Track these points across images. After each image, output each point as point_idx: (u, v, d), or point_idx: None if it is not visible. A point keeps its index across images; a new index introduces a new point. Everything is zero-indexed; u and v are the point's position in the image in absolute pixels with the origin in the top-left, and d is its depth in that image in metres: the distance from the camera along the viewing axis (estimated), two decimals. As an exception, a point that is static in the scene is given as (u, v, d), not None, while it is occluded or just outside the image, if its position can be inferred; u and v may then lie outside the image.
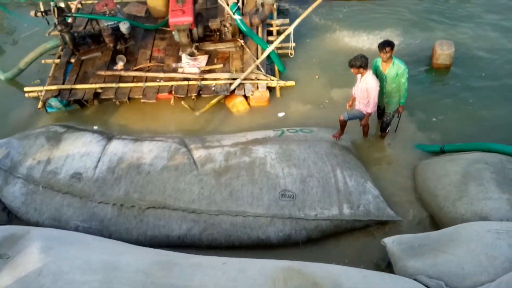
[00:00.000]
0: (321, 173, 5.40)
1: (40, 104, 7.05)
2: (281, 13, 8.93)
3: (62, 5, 7.12)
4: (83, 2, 8.77)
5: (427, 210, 5.48)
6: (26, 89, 7.27)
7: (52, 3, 6.94)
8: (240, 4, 7.40)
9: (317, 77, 7.50)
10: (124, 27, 7.35)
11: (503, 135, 6.16)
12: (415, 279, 3.94)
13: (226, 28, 7.58)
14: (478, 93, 7.01)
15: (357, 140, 6.42)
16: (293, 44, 7.64)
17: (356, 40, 8.21)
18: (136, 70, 7.40)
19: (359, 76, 5.54)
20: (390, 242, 4.67)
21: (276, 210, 5.13)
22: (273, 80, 7.23)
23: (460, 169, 5.39)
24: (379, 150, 6.35)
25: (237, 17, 7.10)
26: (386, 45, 5.29)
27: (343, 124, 5.84)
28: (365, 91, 5.51)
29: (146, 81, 7.20)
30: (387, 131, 6.26)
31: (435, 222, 5.30)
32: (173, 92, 7.06)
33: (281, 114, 6.92)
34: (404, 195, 5.71)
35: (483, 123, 6.49)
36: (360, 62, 5.31)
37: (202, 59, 7.49)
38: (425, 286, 3.86)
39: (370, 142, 6.42)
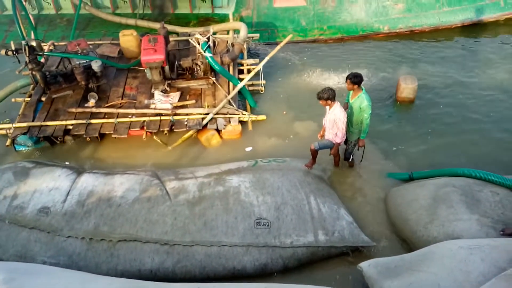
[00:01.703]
0: (295, 200, 5.41)
1: (8, 142, 6.92)
2: (253, 54, 9.28)
3: (34, 43, 7.15)
4: (55, 43, 8.85)
5: (400, 235, 5.53)
6: (-6, 126, 7.13)
7: (23, 42, 6.98)
8: (211, 44, 7.67)
9: (284, 112, 7.72)
10: (96, 65, 7.43)
11: (462, 160, 6.49)
12: (392, 298, 3.91)
13: (197, 66, 7.78)
14: (437, 123, 7.38)
15: (329, 169, 6.53)
16: (263, 82, 7.94)
17: (322, 78, 8.59)
18: (107, 107, 7.40)
19: (327, 107, 5.73)
20: (366, 266, 4.66)
21: (252, 239, 5.06)
22: (244, 114, 7.38)
23: (429, 193, 5.52)
24: (349, 178, 6.46)
25: (207, 54, 7.33)
26: (349, 76, 5.56)
27: (314, 154, 5.96)
28: (333, 121, 5.68)
29: (117, 117, 7.20)
30: (350, 159, 6.39)
31: (409, 246, 5.34)
32: (145, 127, 7.07)
33: (248, 149, 7.02)
34: (377, 221, 5.78)
35: (446, 151, 6.78)
36: (328, 95, 5.51)
37: (175, 96, 7.60)
38: (403, 304, 3.83)
39: (341, 171, 6.55)
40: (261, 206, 5.31)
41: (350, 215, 5.59)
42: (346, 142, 6.13)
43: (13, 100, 7.77)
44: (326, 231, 5.24)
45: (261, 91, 7.87)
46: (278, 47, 7.41)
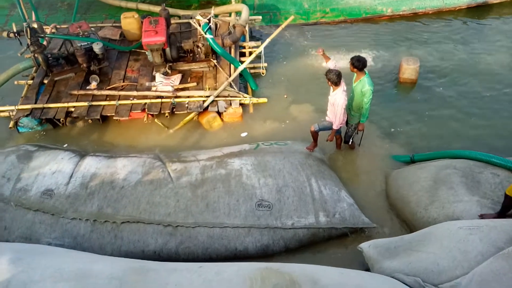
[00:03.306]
0: (296, 182, 5.45)
1: (11, 124, 6.95)
2: (254, 37, 9.21)
3: (35, 25, 7.11)
4: (57, 26, 8.80)
5: (400, 216, 5.59)
6: (-4, 109, 7.16)
7: (25, 24, 6.94)
8: (212, 25, 7.61)
9: (285, 96, 7.71)
10: (97, 47, 7.39)
11: (463, 143, 6.50)
12: (392, 277, 3.98)
13: (199, 49, 7.73)
14: (438, 105, 7.36)
15: (330, 152, 6.56)
16: (265, 64, 7.89)
17: (324, 60, 8.50)
18: (109, 89, 7.40)
19: (331, 89, 5.71)
20: (367, 246, 4.72)
21: (253, 221, 5.12)
22: (246, 97, 7.37)
23: (430, 175, 5.55)
24: (351, 161, 6.50)
25: (208, 36, 7.28)
26: (352, 60, 5.52)
27: (314, 136, 5.97)
28: (332, 105, 5.68)
29: (119, 99, 7.20)
30: (350, 142, 6.39)
31: (409, 228, 5.40)
32: (146, 109, 7.08)
33: (243, 134, 7.02)
34: (378, 203, 5.83)
35: (447, 133, 6.80)
36: (332, 76, 5.47)
37: (176, 78, 7.58)
38: (402, 283, 3.89)
39: (342, 153, 6.57)
40: (262, 188, 5.35)
41: (351, 197, 5.63)
42: (346, 124, 6.13)
43: (15, 82, 7.78)
44: (327, 213, 5.29)
45: (263, 73, 7.84)
46: (279, 29, 7.35)
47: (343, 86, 5.57)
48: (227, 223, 5.08)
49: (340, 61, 8.19)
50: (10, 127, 7.00)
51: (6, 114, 7.16)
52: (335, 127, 5.78)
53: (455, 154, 5.80)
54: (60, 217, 5.13)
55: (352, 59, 5.54)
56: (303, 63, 8.56)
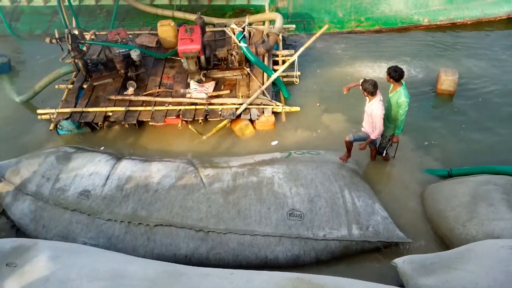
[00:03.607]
0: (328, 193, 5.39)
1: (52, 126, 7.20)
2: (288, 45, 9.23)
3: (76, 32, 7.37)
4: (96, 33, 9.10)
5: (437, 232, 5.42)
6: (39, 111, 7.45)
7: (66, 30, 7.21)
8: (246, 34, 7.67)
9: (318, 104, 7.66)
10: (134, 54, 7.58)
11: (501, 158, 6.21)
12: (428, 295, 3.85)
13: (233, 57, 7.81)
14: (476, 118, 7.14)
15: (364, 163, 6.45)
16: (299, 73, 7.88)
17: (358, 70, 8.45)
18: (145, 95, 7.57)
19: (367, 99, 5.64)
20: (401, 262, 4.60)
21: (284, 230, 5.09)
22: (278, 105, 7.38)
23: (469, 191, 5.38)
24: (385, 173, 6.38)
25: (242, 44, 7.34)
26: (388, 70, 5.45)
27: (349, 146, 5.89)
28: (369, 116, 5.60)
29: (154, 105, 7.35)
30: (384, 154, 6.27)
31: (446, 244, 5.22)
32: (180, 116, 7.19)
33: (274, 143, 7.00)
34: (413, 218, 5.67)
35: (484, 147, 6.56)
36: (365, 87, 5.42)
37: (210, 86, 7.68)
38: (439, 301, 3.76)
39: (376, 165, 6.45)
40: (294, 197, 5.32)
41: (385, 210, 5.51)
42: (381, 135, 6.03)
43: (56, 86, 8.07)
44: (360, 225, 5.20)
45: (296, 82, 7.85)
46: (313, 38, 7.34)
47: (379, 96, 5.49)
48: (258, 231, 5.07)
49: (377, 70, 8.09)
50: (50, 129, 7.26)
51: (47, 116, 7.43)
52: (373, 137, 5.69)
53: (495, 169, 5.61)
54: (96, 217, 5.26)
55: (389, 69, 5.46)
56: (336, 72, 8.50)
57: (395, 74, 5.40)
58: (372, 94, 5.43)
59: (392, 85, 5.60)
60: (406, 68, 8.23)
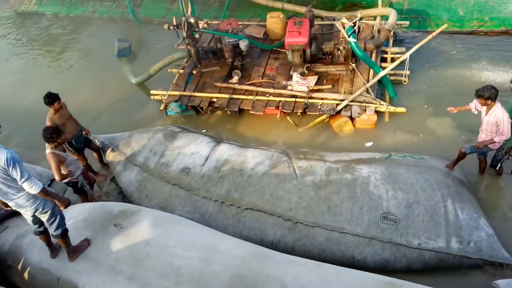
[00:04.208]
0: (429, 201, 5.03)
1: (162, 106, 7.80)
2: (398, 42, 8.78)
3: (192, 20, 7.83)
4: (209, 22, 9.57)
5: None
6: (152, 92, 8.12)
7: (183, 18, 7.70)
8: (356, 29, 7.45)
9: (425, 106, 7.17)
10: (243, 44, 7.84)
11: None
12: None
13: (339, 51, 7.65)
14: None
15: (472, 174, 5.90)
16: (408, 72, 7.44)
17: (475, 74, 7.72)
18: (248, 84, 7.78)
19: (485, 108, 5.14)
20: (505, 284, 4.14)
21: (376, 232, 4.88)
22: (382, 104, 7.06)
23: None
24: (495, 188, 5.77)
25: (352, 39, 7.14)
26: None
27: (461, 156, 5.44)
28: (494, 124, 5.07)
29: (256, 95, 7.53)
30: (498, 167, 5.64)
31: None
32: (280, 107, 7.27)
33: (368, 144, 6.72)
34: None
35: None
36: (489, 94, 4.94)
37: (312, 79, 7.62)
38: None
39: (486, 178, 5.86)
40: (390, 200, 5.06)
41: (491, 227, 4.98)
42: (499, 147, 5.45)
43: (169, 70, 8.70)
44: (460, 239, 4.78)
45: (404, 81, 7.42)
46: (430, 36, 6.84)
47: (498, 102, 4.99)
48: (348, 230, 4.93)
49: (500, 75, 7.34)
50: (161, 110, 7.86)
51: (159, 97, 8.05)
52: (497, 140, 5.13)
53: None
54: (193, 194, 5.58)
55: None
56: (450, 74, 7.87)
57: None
58: (494, 99, 4.94)
59: None
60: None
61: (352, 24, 7.21)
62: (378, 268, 4.78)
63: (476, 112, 5.42)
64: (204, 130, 7.21)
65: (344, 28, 7.25)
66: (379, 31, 7.76)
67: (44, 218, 4.12)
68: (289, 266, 3.63)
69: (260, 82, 7.84)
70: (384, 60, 8.08)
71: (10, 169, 3.61)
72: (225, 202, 5.38)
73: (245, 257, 3.68)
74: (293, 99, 7.33)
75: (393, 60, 7.80)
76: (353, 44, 7.17)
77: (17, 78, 10.00)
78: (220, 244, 3.88)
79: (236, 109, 7.40)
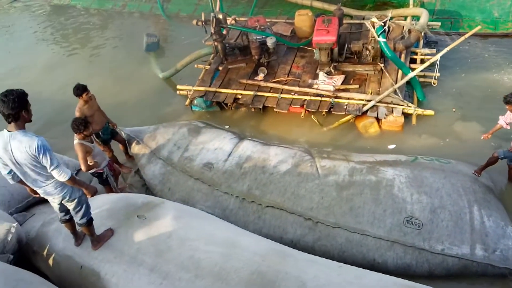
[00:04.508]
0: (455, 206, 4.91)
1: (187, 102, 7.89)
2: (428, 43, 8.59)
3: (220, 16, 7.87)
4: (236, 18, 9.60)
5: None
6: (178, 87, 8.21)
7: (212, 14, 7.74)
8: (386, 28, 7.33)
9: (454, 110, 7.00)
10: (270, 41, 7.83)
11: None
12: None
13: (367, 51, 7.54)
14: None
15: (500, 181, 5.72)
16: (438, 74, 7.27)
17: (508, 79, 7.46)
18: (274, 82, 7.77)
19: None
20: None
21: (398, 236, 4.80)
22: (410, 106, 6.92)
23: None
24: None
25: (381, 39, 7.02)
26: None
27: (492, 161, 5.30)
28: None
29: (281, 93, 7.51)
30: None
31: None
32: (305, 106, 7.23)
33: (391, 147, 6.61)
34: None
35: None
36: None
37: (338, 79, 7.54)
38: None
39: (515, 187, 5.68)
40: (414, 204, 4.97)
41: (519, 237, 4.83)
42: None
43: (195, 66, 8.77)
44: (486, 247, 4.65)
45: (434, 84, 7.26)
46: (462, 38, 6.66)
47: None
48: (369, 232, 4.87)
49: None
50: (186, 105, 7.94)
51: (184, 93, 8.14)
52: None
53: None
54: (215, 189, 5.61)
55: None
56: (480, 78, 7.65)
57: None
58: None
59: None
60: None
61: (383, 24, 7.09)
62: (399, 272, 4.70)
63: (508, 127, 5.29)
64: (227, 126, 7.24)
65: (374, 28, 7.14)
66: (409, 31, 7.61)
67: (70, 206, 4.22)
68: (309, 265, 3.62)
69: (286, 80, 7.81)
70: (413, 61, 7.92)
71: (41, 156, 3.67)
72: (246, 199, 5.39)
73: (265, 254, 3.69)
74: (319, 98, 7.27)
75: (422, 61, 7.64)
76: (382, 44, 7.05)
77: (46, 69, 10.30)
78: (241, 240, 3.90)
79: (261, 106, 7.41)
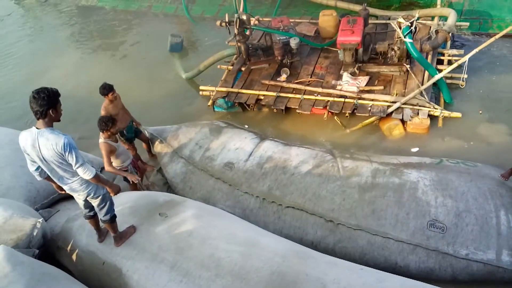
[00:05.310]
0: (480, 210, 4.77)
1: (210, 102, 7.95)
2: (456, 44, 8.39)
3: (244, 17, 7.90)
4: (260, 19, 9.62)
5: None
6: (201, 87, 8.30)
7: (236, 15, 7.78)
8: (412, 29, 7.19)
9: (480, 112, 6.83)
10: (294, 42, 7.82)
11: None
12: None
13: (393, 52, 7.43)
14: None
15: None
16: (465, 76, 7.09)
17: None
18: (296, 83, 7.74)
19: None
20: None
21: (421, 240, 4.69)
22: (436, 108, 6.77)
23: None
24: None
25: (408, 40, 6.90)
26: None
27: (522, 165, 5.12)
28: None
29: (304, 94, 7.47)
30: None
31: None
32: (328, 107, 7.17)
33: (414, 150, 6.48)
34: None
35: None
36: None
37: (363, 80, 7.45)
38: None
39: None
40: (438, 208, 4.85)
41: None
42: None
43: (218, 66, 8.84)
44: (513, 253, 4.50)
45: (461, 86, 7.09)
46: (492, 39, 6.45)
47: None
48: (392, 235, 4.78)
49: None
50: (208, 105, 8.00)
51: (207, 93, 8.21)
52: None
53: None
54: (235, 189, 5.63)
55: None
56: (508, 80, 7.43)
57: None
58: None
59: None
60: None
61: (409, 24, 6.96)
62: (422, 277, 4.60)
63: None
64: (246, 126, 7.25)
65: (400, 28, 7.02)
66: (436, 32, 7.45)
67: (95, 203, 4.31)
68: (330, 267, 3.58)
69: (309, 81, 7.77)
70: (440, 62, 7.75)
71: (67, 154, 3.75)
72: (267, 199, 5.39)
73: (285, 254, 3.68)
74: (342, 99, 7.20)
75: (450, 62, 7.49)
76: (409, 44, 6.92)
77: (72, 68, 10.58)
78: (261, 239, 3.90)
79: (283, 108, 7.39)
